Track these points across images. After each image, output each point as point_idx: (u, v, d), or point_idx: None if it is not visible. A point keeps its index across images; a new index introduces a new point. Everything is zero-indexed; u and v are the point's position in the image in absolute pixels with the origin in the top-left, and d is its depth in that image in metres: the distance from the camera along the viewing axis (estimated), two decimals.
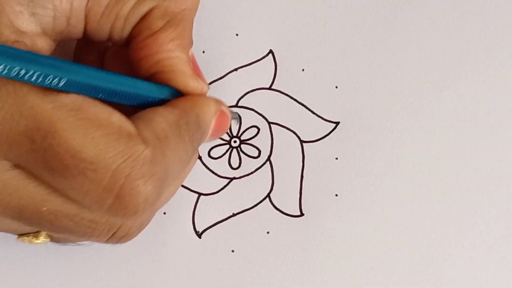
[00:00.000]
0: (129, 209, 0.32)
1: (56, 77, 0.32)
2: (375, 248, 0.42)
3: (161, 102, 0.35)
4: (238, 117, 0.42)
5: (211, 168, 0.42)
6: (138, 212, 0.32)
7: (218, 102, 0.37)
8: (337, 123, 0.43)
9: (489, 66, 0.43)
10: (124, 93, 0.34)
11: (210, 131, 0.37)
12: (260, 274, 0.41)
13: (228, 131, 0.42)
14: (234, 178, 0.42)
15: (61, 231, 0.34)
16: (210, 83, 0.42)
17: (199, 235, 0.41)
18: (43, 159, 0.31)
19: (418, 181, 0.42)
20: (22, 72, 0.31)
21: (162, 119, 0.34)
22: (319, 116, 0.43)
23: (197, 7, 0.37)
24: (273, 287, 0.41)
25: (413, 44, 0.43)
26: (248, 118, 0.42)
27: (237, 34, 0.43)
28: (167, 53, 0.35)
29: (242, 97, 0.42)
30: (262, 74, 0.43)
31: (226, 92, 0.42)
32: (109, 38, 0.36)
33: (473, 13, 0.44)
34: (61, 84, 0.32)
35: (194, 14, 0.37)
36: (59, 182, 0.31)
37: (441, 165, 0.42)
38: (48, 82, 0.31)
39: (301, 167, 0.42)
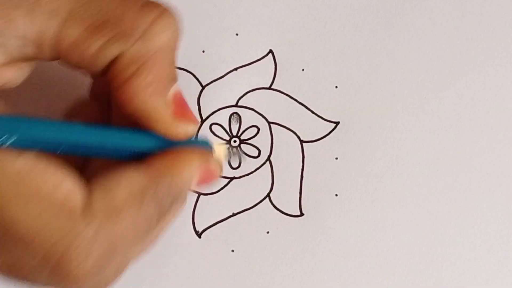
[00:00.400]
0: (66, 281, 0.32)
1: (3, 135, 0.31)
2: (375, 248, 0.42)
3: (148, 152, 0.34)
4: (239, 154, 0.41)
5: None
6: (77, 284, 0.32)
7: (204, 155, 0.35)
8: (337, 123, 0.43)
9: (489, 66, 0.43)
10: (91, 147, 0.33)
11: (189, 189, 0.35)
12: (260, 274, 0.41)
13: (228, 131, 0.42)
14: (234, 178, 0.42)
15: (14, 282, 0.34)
16: (210, 83, 0.42)
17: (199, 235, 0.41)
18: None
19: (418, 181, 0.42)
20: None
21: (126, 187, 0.32)
22: (319, 116, 0.43)
23: (174, 44, 0.34)
24: (273, 287, 0.41)
25: (413, 44, 0.43)
26: (248, 118, 0.42)
27: (237, 34, 0.43)
28: (141, 102, 0.33)
29: (242, 96, 0.42)
30: (262, 74, 0.43)
31: (226, 92, 0.42)
32: (85, 71, 0.35)
33: (473, 13, 0.44)
34: (8, 142, 0.31)
35: (174, 50, 0.34)
36: (7, 245, 0.32)
37: (441, 165, 0.42)
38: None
39: (301, 167, 0.42)
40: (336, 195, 0.42)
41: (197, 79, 0.42)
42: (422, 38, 0.43)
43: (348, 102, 0.43)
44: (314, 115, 0.43)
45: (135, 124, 0.34)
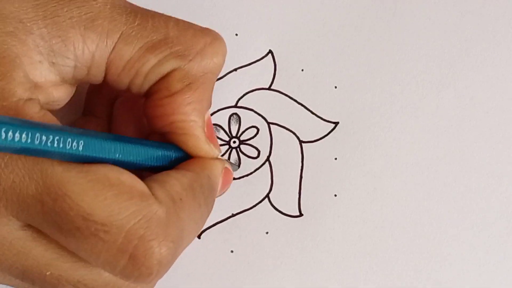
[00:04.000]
0: (142, 270, 0.32)
1: (73, 141, 0.31)
2: (374, 248, 0.42)
3: (168, 164, 0.36)
4: (237, 166, 0.42)
5: None
6: (152, 274, 0.32)
7: (222, 161, 0.38)
8: (336, 123, 0.43)
9: (489, 66, 0.43)
10: (135, 157, 0.34)
11: (219, 187, 0.38)
12: (259, 274, 0.41)
13: (228, 131, 0.42)
14: (233, 178, 0.42)
15: None
16: None
17: (198, 235, 0.41)
18: (54, 221, 0.31)
19: (417, 181, 0.42)
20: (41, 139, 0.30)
21: (176, 181, 0.34)
22: (318, 116, 0.43)
23: (220, 70, 0.36)
24: (272, 287, 0.41)
25: (412, 44, 0.43)
26: (248, 119, 0.42)
27: (236, 34, 0.43)
28: (183, 116, 0.35)
29: (241, 97, 0.43)
30: (261, 74, 0.43)
31: (226, 92, 0.42)
32: (127, 90, 0.36)
33: (473, 13, 0.44)
34: (80, 147, 0.31)
35: (216, 77, 0.36)
36: (71, 243, 0.31)
37: (440, 165, 0.42)
38: (69, 146, 0.31)
39: (300, 167, 0.42)
40: (335, 195, 0.42)
41: None
42: (421, 38, 0.43)
43: (347, 102, 0.43)
44: (313, 115, 0.43)
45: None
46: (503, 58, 0.43)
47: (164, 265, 0.32)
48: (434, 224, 0.42)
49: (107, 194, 0.31)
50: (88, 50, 0.33)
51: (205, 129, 0.36)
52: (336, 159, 0.42)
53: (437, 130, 0.43)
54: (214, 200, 0.37)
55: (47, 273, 0.32)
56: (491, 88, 0.43)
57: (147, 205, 0.31)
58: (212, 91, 0.37)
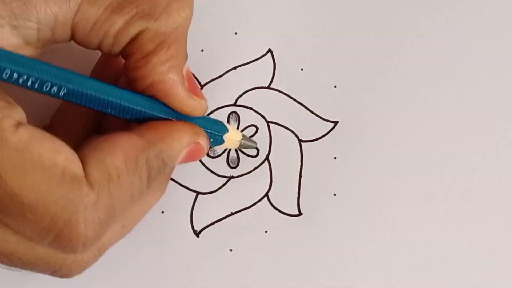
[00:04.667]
0: (67, 249, 0.33)
1: (54, 85, 0.32)
2: (373, 247, 0.42)
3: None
4: (255, 147, 0.42)
5: (209, 167, 0.42)
6: (76, 251, 0.33)
7: (196, 133, 0.37)
8: (335, 123, 0.43)
9: (489, 66, 0.43)
10: (124, 108, 0.35)
11: (178, 161, 0.37)
12: (258, 273, 0.41)
13: None
14: (232, 177, 0.42)
15: (14, 266, 0.35)
16: (209, 82, 0.42)
17: (197, 234, 0.41)
18: None
19: (416, 180, 0.42)
20: (15, 75, 0.31)
21: (120, 152, 0.34)
22: (317, 116, 0.43)
23: (190, 21, 0.36)
24: (271, 286, 0.41)
25: (412, 43, 0.43)
26: (247, 117, 0.42)
27: (236, 33, 0.43)
28: (160, 75, 0.35)
29: (240, 96, 0.42)
30: (260, 73, 0.43)
31: (225, 91, 0.42)
32: (100, 50, 0.36)
33: (473, 13, 0.44)
34: (61, 93, 0.33)
35: (187, 29, 0.36)
36: (5, 219, 0.32)
37: (440, 165, 0.42)
38: (47, 89, 0.32)
39: (299, 167, 0.42)
40: (335, 194, 0.42)
41: (196, 78, 0.42)
42: (421, 38, 0.43)
43: (347, 101, 0.43)
44: (313, 114, 0.43)
45: None
46: (503, 58, 0.43)
47: (89, 244, 0.33)
48: (433, 224, 0.42)
49: (37, 177, 0.31)
50: (51, 11, 0.33)
51: (186, 83, 0.36)
52: (335, 158, 0.42)
53: (436, 129, 0.43)
54: (164, 173, 0.36)
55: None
56: (491, 88, 0.43)
57: (76, 188, 0.32)
58: (185, 44, 0.36)
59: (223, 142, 0.39)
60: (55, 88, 0.32)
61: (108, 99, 0.34)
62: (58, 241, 0.32)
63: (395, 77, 0.43)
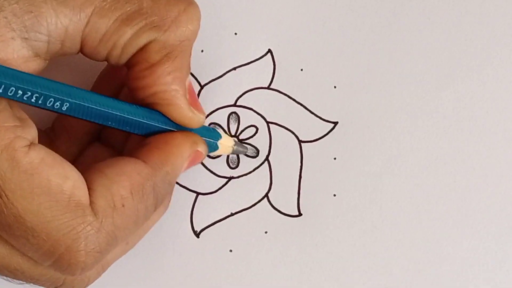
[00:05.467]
0: (66, 272, 0.33)
1: (57, 100, 0.33)
2: (373, 248, 0.42)
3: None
4: (255, 151, 0.42)
5: (209, 168, 0.42)
6: (75, 275, 0.34)
7: (195, 142, 0.38)
8: (335, 123, 0.43)
9: (489, 66, 0.43)
10: (127, 121, 0.36)
11: (180, 171, 0.37)
12: (258, 274, 0.41)
13: (227, 130, 0.42)
14: (232, 177, 0.42)
15: (18, 279, 0.35)
16: (209, 82, 0.42)
17: (197, 234, 0.41)
18: None
19: (416, 181, 0.42)
20: (20, 92, 0.32)
21: (126, 181, 0.34)
22: (317, 116, 0.42)
23: (196, 36, 0.36)
24: (271, 287, 0.41)
25: (412, 44, 0.43)
26: (247, 118, 0.42)
27: (236, 33, 0.43)
28: (164, 86, 0.36)
29: (240, 96, 0.42)
30: (260, 73, 0.43)
31: (225, 91, 0.42)
32: (106, 61, 0.36)
33: (473, 13, 0.43)
34: (64, 108, 0.33)
35: (193, 43, 0.37)
36: (4, 235, 0.33)
37: (440, 165, 0.42)
38: (50, 105, 0.33)
39: (299, 167, 0.42)
40: (335, 195, 0.42)
41: (196, 78, 0.42)
42: (421, 38, 0.43)
43: (346, 102, 0.43)
44: (312, 115, 0.42)
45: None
46: (503, 58, 0.43)
47: (89, 269, 0.34)
48: (433, 224, 0.42)
49: (44, 202, 0.32)
50: (61, 24, 0.33)
51: (187, 96, 0.36)
52: (335, 159, 0.42)
53: (436, 130, 0.43)
54: (170, 195, 0.38)
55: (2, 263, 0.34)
56: (491, 88, 0.43)
57: (80, 216, 0.32)
58: (190, 57, 0.37)
59: (218, 148, 0.40)
60: (58, 103, 0.33)
61: (109, 112, 0.35)
62: (58, 265, 0.33)
63: (395, 77, 0.43)
